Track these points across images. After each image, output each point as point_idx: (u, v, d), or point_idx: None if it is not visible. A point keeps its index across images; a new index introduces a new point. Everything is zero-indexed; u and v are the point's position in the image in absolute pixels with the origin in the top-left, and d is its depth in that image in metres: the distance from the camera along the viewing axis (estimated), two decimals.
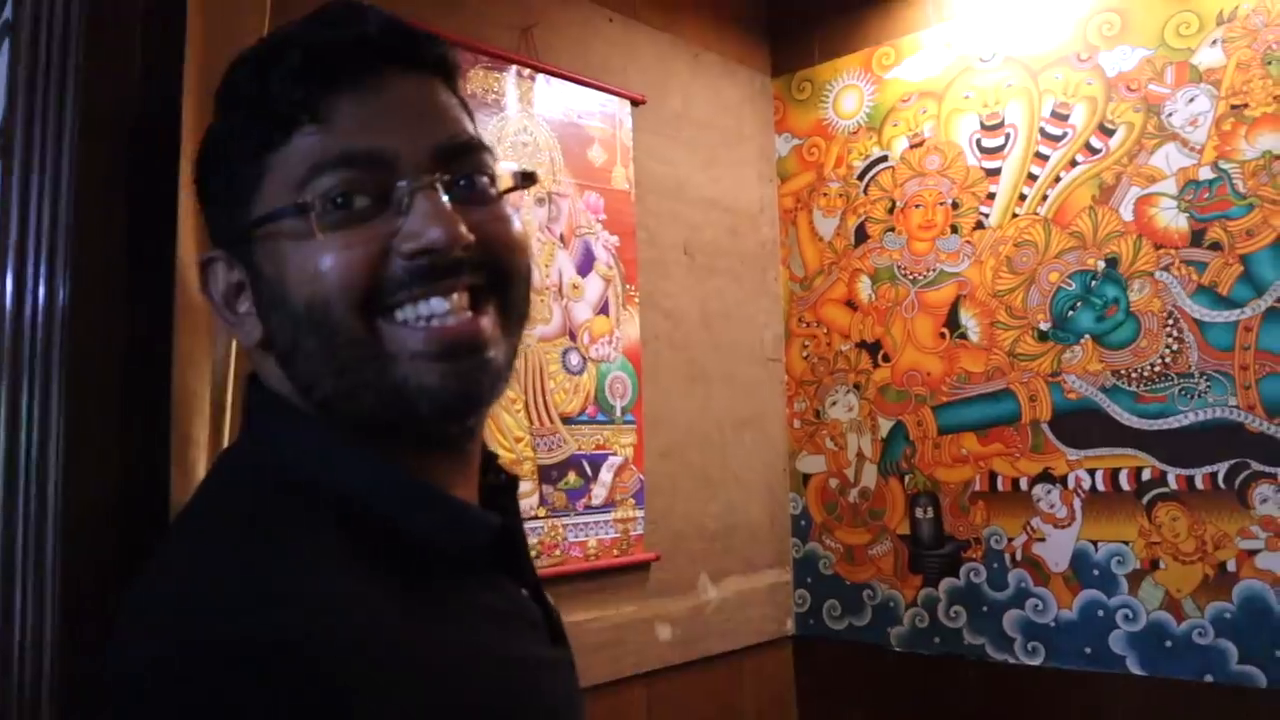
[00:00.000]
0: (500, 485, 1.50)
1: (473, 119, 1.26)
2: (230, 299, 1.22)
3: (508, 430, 4.81)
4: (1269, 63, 4.87)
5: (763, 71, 6.64)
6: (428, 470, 1.23)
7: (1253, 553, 4.70)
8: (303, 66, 1.11)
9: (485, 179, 1.21)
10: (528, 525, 4.82)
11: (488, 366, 1.17)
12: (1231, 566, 4.73)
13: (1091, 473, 5.15)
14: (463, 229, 1.10)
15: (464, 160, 1.18)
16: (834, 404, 6.14)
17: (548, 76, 5.28)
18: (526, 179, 1.37)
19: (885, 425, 5.90)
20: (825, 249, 6.28)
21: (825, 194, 6.32)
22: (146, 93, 2.30)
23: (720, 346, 5.95)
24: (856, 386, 6.04)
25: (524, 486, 4.82)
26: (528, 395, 4.95)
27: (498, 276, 1.19)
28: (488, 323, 1.16)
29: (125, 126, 2.21)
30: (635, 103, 5.61)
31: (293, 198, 1.09)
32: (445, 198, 1.11)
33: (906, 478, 5.78)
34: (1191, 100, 5.10)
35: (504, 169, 1.29)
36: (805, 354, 6.30)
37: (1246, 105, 4.92)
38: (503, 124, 5.04)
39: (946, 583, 5.58)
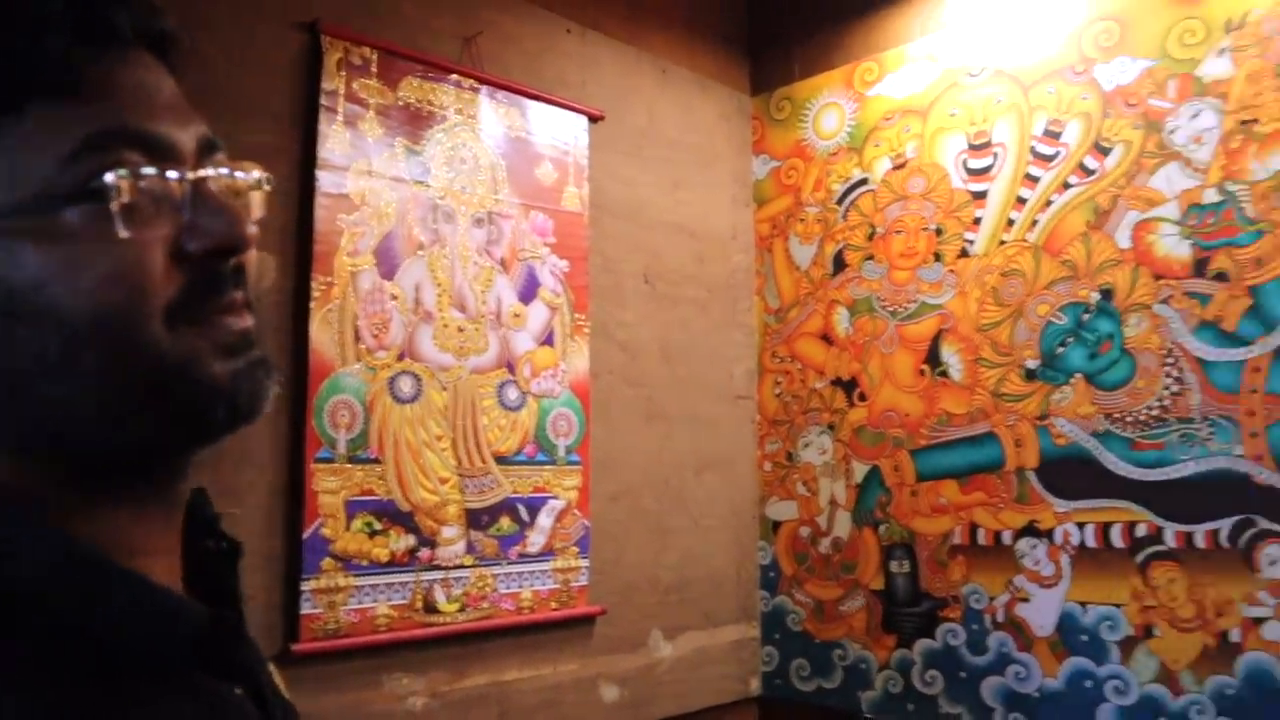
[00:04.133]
0: (218, 552, 1.24)
1: None
2: None
3: (430, 470, 4.38)
4: None
5: (741, 89, 6.23)
6: (124, 531, 1.05)
7: (1259, 621, 4.16)
8: (66, 20, 0.94)
9: (240, 175, 1.08)
10: (452, 575, 4.39)
11: (267, 365, 1.05)
12: (1235, 636, 4.19)
13: (1081, 527, 4.64)
14: (249, 227, 1.02)
15: (217, 156, 1.07)
16: (807, 446, 5.67)
17: (493, 89, 4.91)
18: (266, 181, 1.21)
19: (860, 470, 5.42)
20: (802, 278, 5.83)
21: (803, 219, 5.89)
22: None
23: (683, 382, 5.50)
24: (830, 427, 5.57)
25: (448, 532, 4.40)
26: (456, 432, 4.51)
27: (246, 278, 1.08)
28: (252, 322, 1.05)
29: None
30: (593, 118, 5.22)
31: (57, 181, 0.91)
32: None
33: (881, 528, 5.29)
34: (1196, 115, 4.61)
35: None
36: (778, 391, 5.84)
37: (1257, 121, 4.44)
38: (439, 138, 4.67)
39: (922, 644, 5.07)
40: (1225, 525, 4.26)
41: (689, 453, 5.45)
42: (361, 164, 4.25)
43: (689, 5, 5.99)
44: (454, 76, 4.67)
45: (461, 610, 4.36)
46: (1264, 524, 4.17)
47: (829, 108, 5.87)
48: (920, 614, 5.09)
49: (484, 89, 4.82)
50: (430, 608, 4.25)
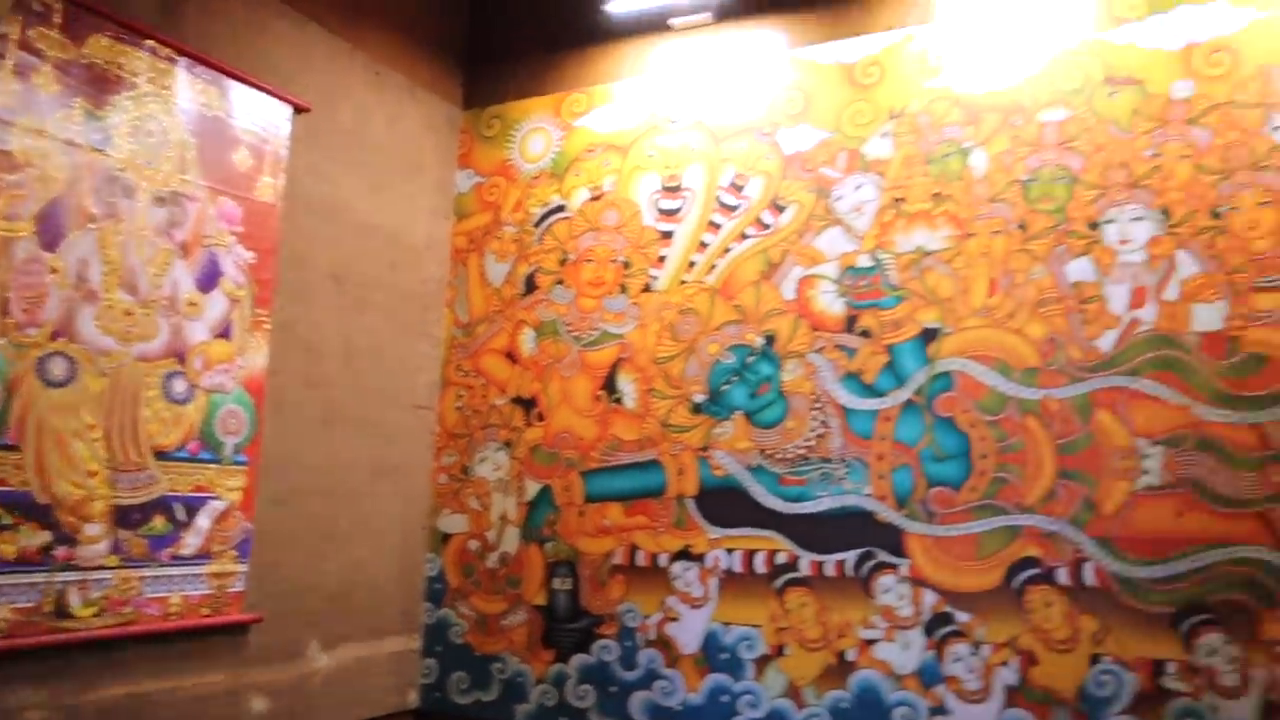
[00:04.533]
0: None
1: None
2: None
3: (78, 461, 4.02)
4: (930, 162, 4.99)
5: (453, 101, 6.24)
6: None
7: (871, 642, 4.67)
8: None
9: None
10: (92, 576, 4.05)
11: None
12: (851, 655, 4.67)
13: (730, 553, 5.01)
14: None
15: None
16: (483, 461, 5.74)
17: (192, 62, 4.63)
18: None
19: (532, 488, 5.55)
20: (493, 295, 5.92)
21: (500, 237, 5.98)
22: None
23: (365, 387, 5.41)
24: (508, 444, 5.68)
25: (91, 529, 4.05)
26: (111, 422, 4.17)
27: None
28: None
29: None
30: (299, 109, 5.04)
31: None
32: None
33: (548, 545, 5.45)
34: (859, 188, 5.15)
35: None
36: (459, 405, 5.88)
37: (906, 200, 5.02)
38: (126, 106, 4.35)
39: (578, 659, 5.26)
40: (851, 556, 4.76)
41: (364, 459, 5.37)
42: (30, 120, 3.86)
43: (410, 11, 5.94)
44: (150, 43, 4.36)
45: (99, 615, 4.03)
46: (882, 556, 4.70)
47: (537, 132, 6.01)
48: (579, 630, 5.28)
49: (182, 61, 4.53)
50: (62, 612, 3.89)
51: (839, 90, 5.25)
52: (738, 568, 4.97)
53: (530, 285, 5.80)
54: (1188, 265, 4.44)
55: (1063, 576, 4.37)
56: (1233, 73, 4.52)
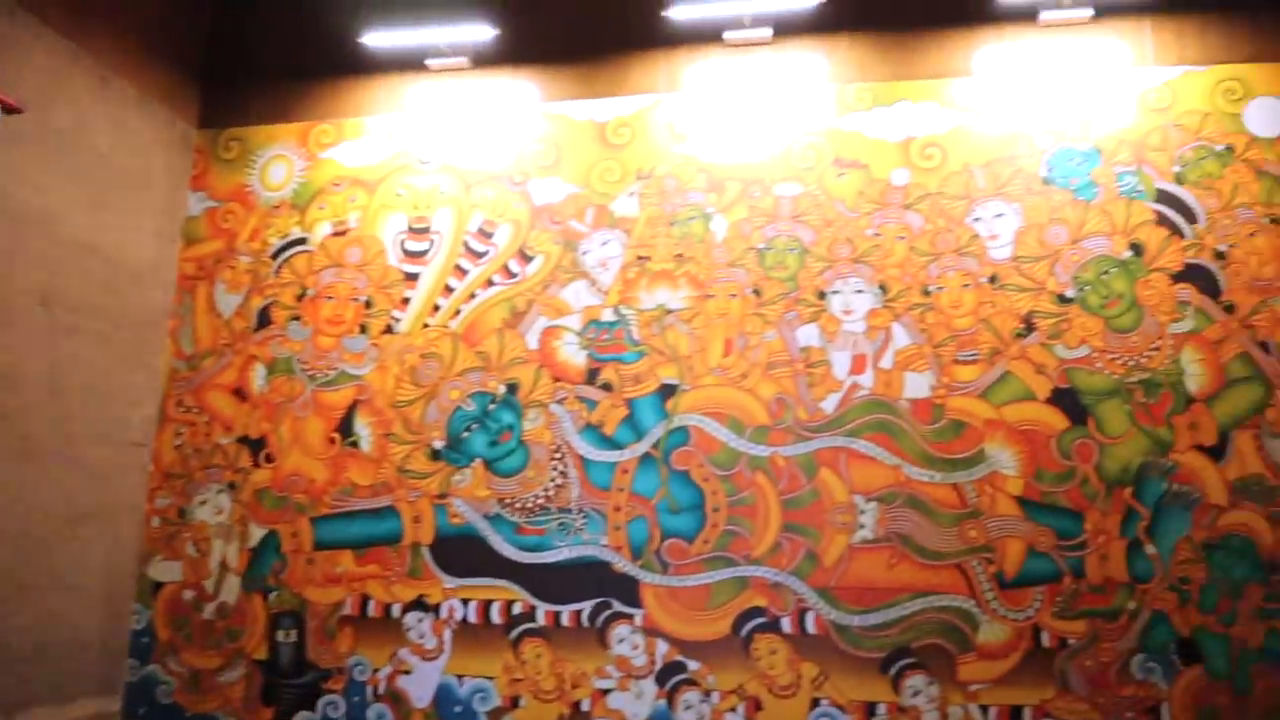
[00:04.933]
0: None
1: None
2: None
3: None
4: (674, 223, 5.20)
5: (188, 118, 5.86)
6: None
7: (606, 692, 4.75)
8: None
9: None
10: None
11: None
12: (586, 705, 4.72)
13: (465, 603, 4.94)
14: None
15: None
16: (203, 503, 5.37)
17: None
18: None
19: (257, 533, 5.25)
20: (223, 327, 5.58)
21: (233, 267, 5.66)
22: None
23: (69, 420, 4.92)
24: (232, 486, 5.34)
25: None
26: None
27: None
28: None
29: None
30: (8, 109, 4.58)
31: None
32: None
33: (272, 595, 5.16)
34: (605, 244, 5.29)
35: None
36: (179, 442, 5.48)
37: (650, 259, 5.20)
38: None
39: (302, 716, 4.98)
40: (587, 606, 4.82)
41: (63, 501, 4.88)
42: None
43: (146, 17, 5.55)
44: None
45: None
46: (618, 606, 4.79)
47: (279, 159, 5.76)
48: (303, 685, 5.02)
49: None
50: None
51: (590, 147, 5.38)
52: (473, 618, 4.91)
53: (264, 319, 5.53)
54: (902, 337, 4.86)
55: (787, 625, 4.63)
56: (942, 166, 5.02)
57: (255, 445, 5.36)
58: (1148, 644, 4.39)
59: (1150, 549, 4.47)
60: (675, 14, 5.29)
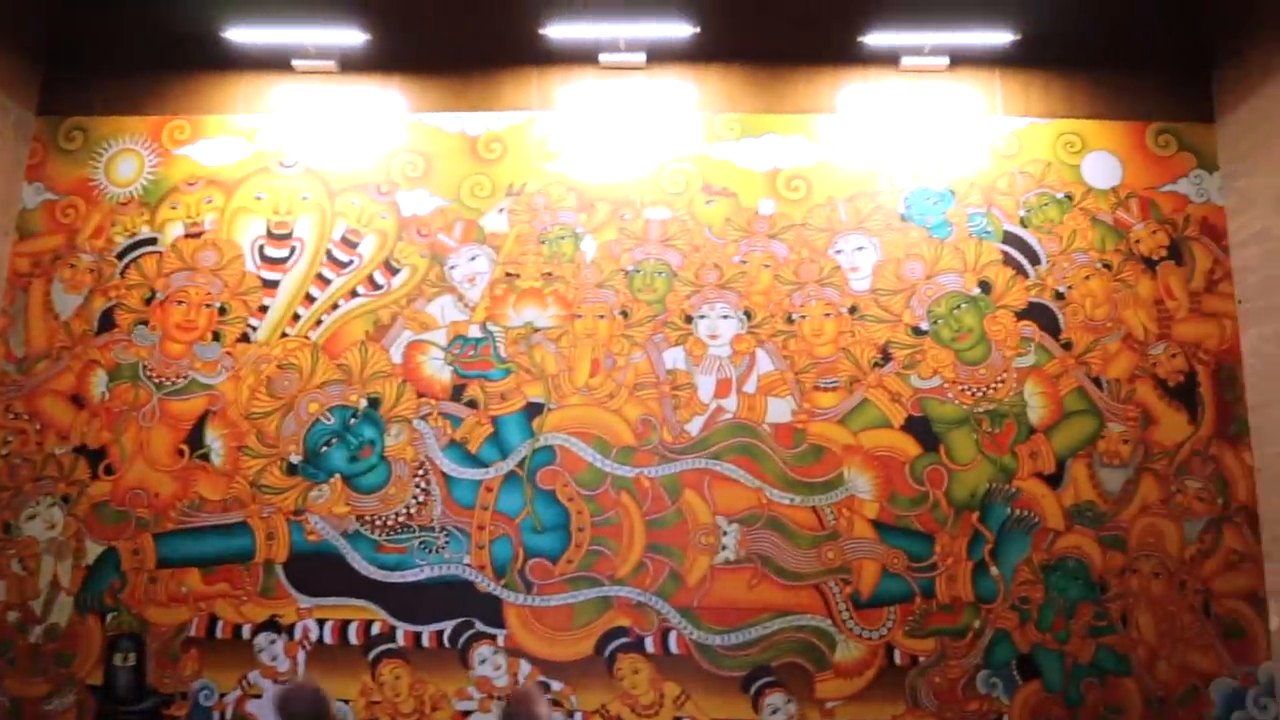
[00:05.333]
0: None
1: None
2: None
3: None
4: (544, 241, 5.20)
5: (26, 104, 5.47)
6: None
7: (467, 714, 4.67)
8: None
9: None
10: None
11: None
12: None
13: (321, 623, 4.78)
14: None
15: None
16: (32, 518, 5.01)
17: None
18: None
19: (94, 550, 4.93)
20: (59, 329, 5.22)
21: (74, 265, 5.32)
22: None
23: None
24: (65, 499, 5.01)
25: None
26: None
27: None
28: None
29: None
30: None
31: None
32: None
33: (110, 616, 4.85)
34: (474, 259, 5.23)
35: None
36: (5, 451, 5.07)
37: (519, 276, 5.18)
38: None
39: None
40: (449, 626, 4.75)
41: None
42: None
43: None
44: None
45: None
46: (480, 626, 4.74)
47: (127, 154, 5.46)
48: (142, 712, 4.75)
49: None
50: None
51: (460, 161, 5.32)
52: (329, 639, 4.76)
53: (107, 322, 5.22)
54: (765, 363, 5.00)
55: (650, 645, 4.68)
56: (807, 198, 5.21)
57: (94, 456, 5.05)
58: (991, 660, 4.66)
59: (994, 571, 4.75)
60: (551, 32, 5.29)
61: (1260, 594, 4.74)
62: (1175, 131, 5.28)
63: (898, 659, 4.66)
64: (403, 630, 4.76)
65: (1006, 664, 4.65)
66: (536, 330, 5.10)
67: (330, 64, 5.45)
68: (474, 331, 5.12)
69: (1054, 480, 4.83)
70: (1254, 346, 4.91)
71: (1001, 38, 5.23)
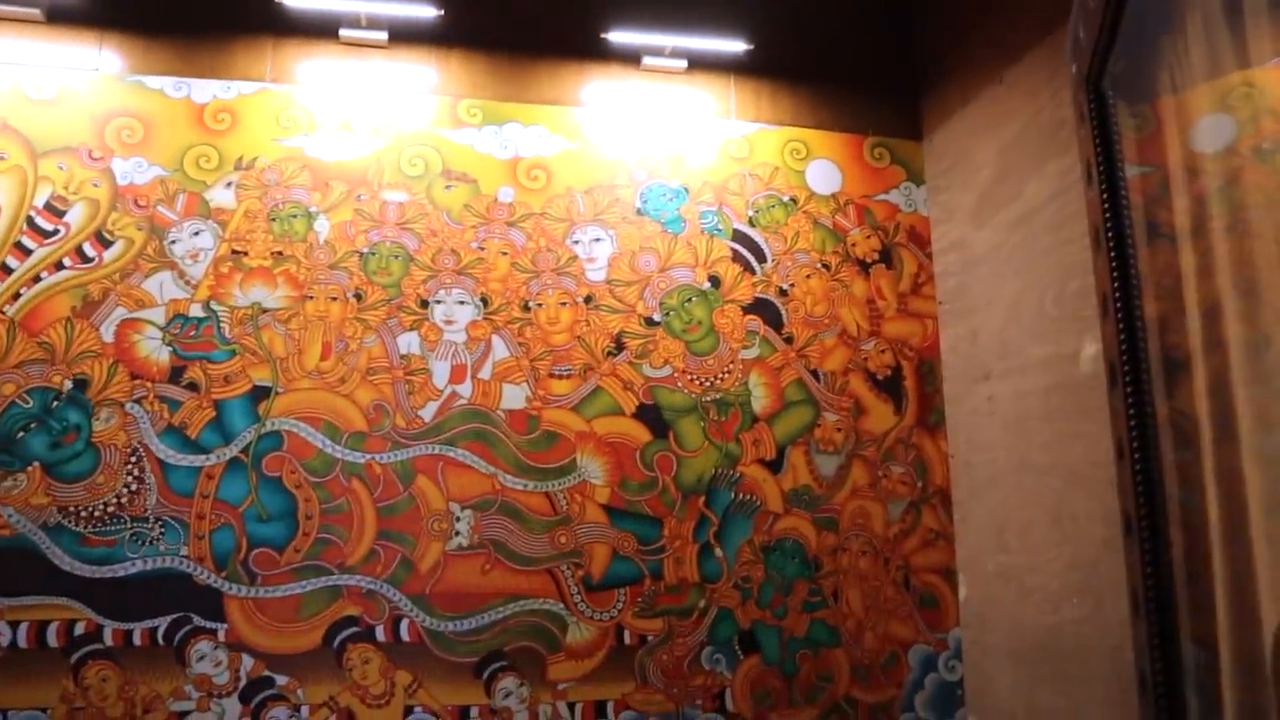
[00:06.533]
0: None
1: None
2: None
3: None
4: (274, 219, 4.98)
5: None
6: None
7: (184, 714, 4.41)
8: None
9: None
10: None
11: None
12: None
13: (15, 625, 4.37)
14: None
15: None
16: None
17: None
18: None
19: None
20: None
21: None
22: None
23: None
24: None
25: None
26: None
27: None
28: None
29: None
30: None
31: None
32: None
33: None
34: (197, 234, 4.94)
35: None
36: None
37: (247, 254, 4.94)
38: None
39: None
40: (164, 623, 4.47)
41: None
42: None
43: None
44: None
45: None
46: (199, 621, 4.49)
47: None
48: None
49: None
50: None
51: (184, 129, 5.02)
52: (24, 642, 4.37)
53: None
54: (500, 349, 5.02)
55: (381, 634, 4.60)
56: (546, 189, 5.26)
57: None
58: (715, 637, 4.90)
59: (719, 552, 4.99)
60: (289, 1, 5.08)
61: (952, 568, 5.23)
62: (889, 146, 5.72)
63: (628, 639, 4.81)
64: (111, 629, 4.44)
65: (729, 640, 4.90)
66: (264, 311, 4.88)
67: (36, 12, 4.98)
68: (196, 311, 4.84)
69: (775, 466, 5.13)
70: (951, 344, 5.40)
71: (736, 46, 5.50)
